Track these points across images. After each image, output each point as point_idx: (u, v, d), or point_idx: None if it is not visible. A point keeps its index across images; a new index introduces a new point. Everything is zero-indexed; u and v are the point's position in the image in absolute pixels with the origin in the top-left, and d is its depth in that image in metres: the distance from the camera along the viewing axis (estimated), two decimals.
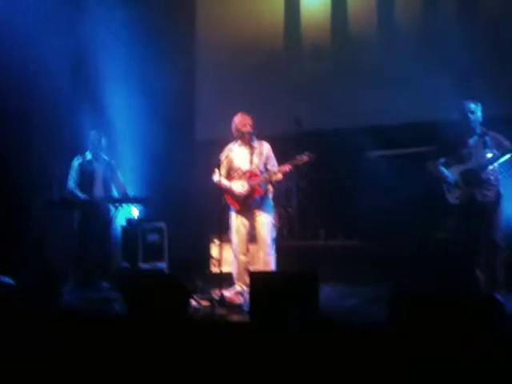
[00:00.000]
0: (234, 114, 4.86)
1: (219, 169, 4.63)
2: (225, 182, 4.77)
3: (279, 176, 4.71)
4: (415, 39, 5.81)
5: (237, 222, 4.81)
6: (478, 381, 2.65)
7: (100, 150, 5.75)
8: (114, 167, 5.81)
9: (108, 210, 5.62)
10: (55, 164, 6.05)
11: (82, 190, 5.61)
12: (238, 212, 4.81)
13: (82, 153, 5.77)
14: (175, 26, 6.87)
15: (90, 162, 5.71)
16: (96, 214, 5.53)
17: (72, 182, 5.64)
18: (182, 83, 6.83)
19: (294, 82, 6.38)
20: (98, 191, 5.65)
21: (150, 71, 6.44)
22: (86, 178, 5.65)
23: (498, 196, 4.36)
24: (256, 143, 4.84)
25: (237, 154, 4.84)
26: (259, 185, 4.73)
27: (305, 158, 4.58)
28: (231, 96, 6.34)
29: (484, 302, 3.04)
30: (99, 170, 5.70)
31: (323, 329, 3.34)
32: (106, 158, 5.80)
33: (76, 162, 5.69)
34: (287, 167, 4.64)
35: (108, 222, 5.62)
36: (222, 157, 4.76)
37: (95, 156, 5.73)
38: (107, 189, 5.70)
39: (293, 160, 4.63)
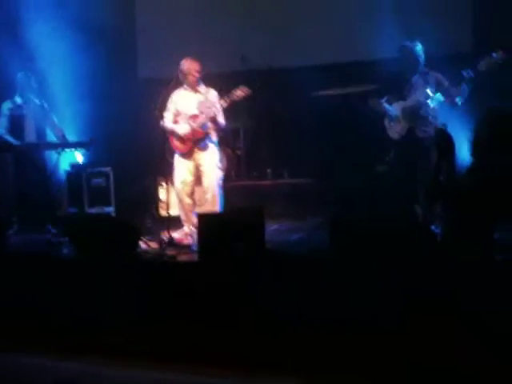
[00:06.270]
0: (178, 49, 4.76)
1: (161, 113, 4.56)
2: (168, 125, 4.74)
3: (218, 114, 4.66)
4: None
5: (180, 166, 4.77)
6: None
7: (30, 92, 5.41)
8: (47, 110, 5.46)
9: (46, 156, 5.37)
10: None
11: (13, 137, 5.31)
12: (182, 155, 4.77)
13: (11, 97, 5.43)
14: None
15: (19, 106, 5.38)
16: (32, 160, 5.29)
17: (1, 128, 5.34)
18: (123, 17, 6.51)
19: (241, 17, 6.24)
20: (30, 137, 5.37)
21: (88, 5, 6.12)
22: (16, 123, 5.33)
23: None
24: (203, 89, 4.76)
25: (182, 99, 4.77)
26: (201, 126, 4.67)
27: (239, 92, 4.55)
28: (175, 32, 6.14)
29: (418, 232, 3.21)
30: (30, 115, 5.38)
31: (268, 260, 3.44)
32: (36, 101, 5.44)
33: (5, 107, 5.37)
34: (222, 101, 4.58)
35: (48, 167, 5.36)
36: (169, 103, 4.71)
37: (25, 99, 5.40)
38: (40, 134, 5.41)
39: (228, 95, 4.58)
